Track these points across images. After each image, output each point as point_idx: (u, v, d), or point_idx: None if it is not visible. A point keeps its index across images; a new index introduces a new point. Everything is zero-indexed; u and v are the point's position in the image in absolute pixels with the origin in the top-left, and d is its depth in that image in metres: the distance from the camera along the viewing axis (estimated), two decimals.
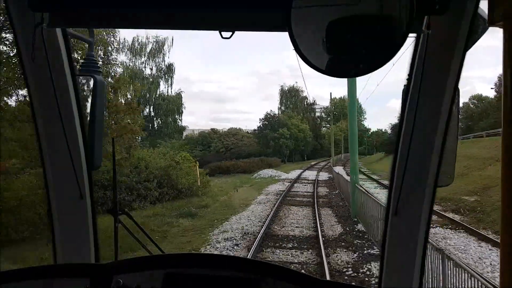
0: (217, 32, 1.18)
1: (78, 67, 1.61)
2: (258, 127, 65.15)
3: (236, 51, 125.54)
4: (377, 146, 76.82)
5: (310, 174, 32.82)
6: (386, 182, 24.04)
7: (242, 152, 56.66)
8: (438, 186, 1.34)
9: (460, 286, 5.08)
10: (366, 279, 7.08)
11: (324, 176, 31.49)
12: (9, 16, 1.31)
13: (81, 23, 1.35)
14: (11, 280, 1.27)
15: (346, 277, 7.21)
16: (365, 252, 8.69)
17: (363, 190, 12.19)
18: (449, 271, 5.29)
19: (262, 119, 64.66)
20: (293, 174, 33.10)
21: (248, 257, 7.99)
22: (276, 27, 1.14)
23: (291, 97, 76.46)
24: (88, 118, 1.57)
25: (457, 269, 5.18)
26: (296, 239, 10.04)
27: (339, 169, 27.19)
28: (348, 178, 15.82)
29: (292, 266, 7.76)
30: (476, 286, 4.70)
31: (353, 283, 6.13)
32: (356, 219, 11.98)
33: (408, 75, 1.31)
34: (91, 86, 1.58)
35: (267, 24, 1.16)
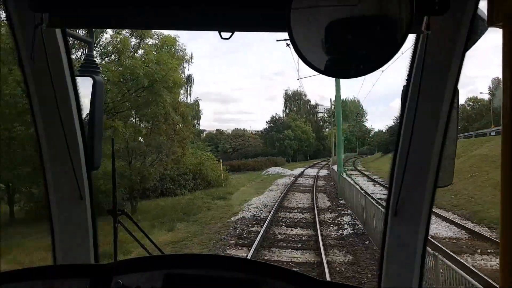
0: (218, 32, 1.19)
1: (77, 67, 1.60)
2: (264, 129, 70.77)
3: (241, 52, 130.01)
4: (378, 146, 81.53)
5: (312, 171, 38.24)
6: (374, 177, 29.41)
7: (249, 152, 61.68)
8: (438, 187, 1.34)
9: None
10: (339, 223, 12.50)
11: (323, 172, 36.90)
12: (9, 16, 1.31)
13: (81, 24, 1.36)
14: (11, 281, 1.27)
15: (328, 223, 12.61)
16: (342, 213, 14.14)
17: (345, 177, 17.63)
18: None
19: (268, 121, 70.36)
20: (297, 171, 38.55)
21: (268, 215, 13.37)
22: (276, 28, 1.15)
23: (294, 100, 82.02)
24: (87, 119, 1.57)
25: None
26: (299, 208, 15.48)
27: (336, 166, 32.60)
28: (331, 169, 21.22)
29: (297, 219, 13.15)
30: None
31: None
32: (340, 198, 17.41)
33: (407, 75, 1.32)
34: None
35: (266, 25, 1.17)
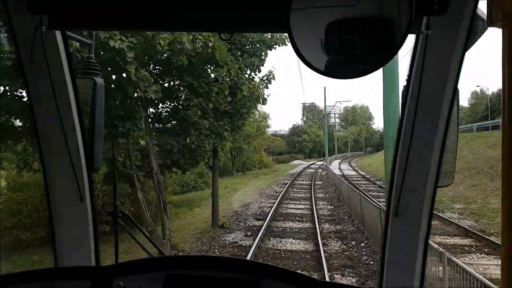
0: (218, 34, 1.22)
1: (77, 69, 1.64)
2: (287, 134, 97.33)
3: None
4: (372, 146, 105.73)
5: (319, 163, 64.93)
6: (353, 165, 55.76)
7: (275, 151, 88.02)
8: (438, 187, 1.38)
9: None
10: (321, 174, 39.13)
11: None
12: (9, 18, 1.34)
13: (81, 26, 1.39)
14: (12, 283, 1.30)
15: (318, 174, 39.14)
16: (323, 172, 40.91)
17: (327, 164, 44.54)
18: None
19: (290, 128, 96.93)
20: (310, 162, 65.38)
21: (297, 173, 39.82)
22: (276, 29, 1.22)
23: (310, 110, 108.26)
24: (88, 120, 1.62)
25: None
26: (309, 172, 42.33)
27: (334, 162, 58.75)
28: (331, 164, 47.78)
29: (307, 175, 39.68)
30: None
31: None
32: (325, 170, 44.04)
33: (407, 75, 1.36)
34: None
35: (266, 26, 1.22)
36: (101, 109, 1.63)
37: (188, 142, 10.27)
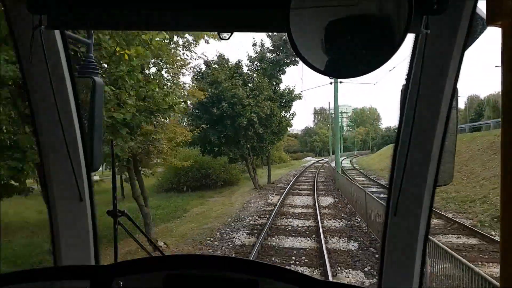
0: (218, 33, 1.29)
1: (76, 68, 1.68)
2: (300, 134, 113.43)
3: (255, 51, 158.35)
4: (373, 146, 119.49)
5: (326, 159, 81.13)
6: (354, 161, 71.68)
7: (290, 149, 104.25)
8: (438, 186, 1.41)
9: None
10: (324, 166, 55.47)
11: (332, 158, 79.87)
12: (7, 18, 1.35)
13: (80, 25, 1.42)
14: (11, 282, 1.32)
15: (323, 166, 55.38)
16: (326, 165, 57.24)
17: (329, 160, 61.08)
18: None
19: (303, 129, 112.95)
20: (320, 159, 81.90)
21: (307, 165, 56.05)
22: (275, 28, 1.21)
23: (321, 114, 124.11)
24: (87, 120, 1.64)
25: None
26: (317, 165, 59.01)
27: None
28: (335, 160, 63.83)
29: (315, 167, 55.95)
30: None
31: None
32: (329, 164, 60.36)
33: (406, 75, 1.39)
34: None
35: (265, 25, 1.24)
36: (100, 108, 1.66)
37: (262, 145, 26.94)
